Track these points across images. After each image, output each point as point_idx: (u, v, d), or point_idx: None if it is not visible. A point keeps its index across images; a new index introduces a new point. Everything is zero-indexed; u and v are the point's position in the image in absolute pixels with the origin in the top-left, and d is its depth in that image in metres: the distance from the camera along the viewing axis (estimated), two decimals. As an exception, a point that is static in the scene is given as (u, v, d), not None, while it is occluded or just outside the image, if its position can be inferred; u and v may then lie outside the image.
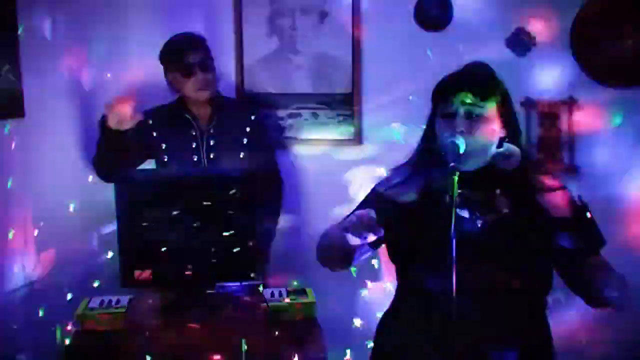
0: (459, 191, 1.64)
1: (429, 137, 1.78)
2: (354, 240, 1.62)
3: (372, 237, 1.61)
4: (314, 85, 3.26)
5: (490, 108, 1.69)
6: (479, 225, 1.70)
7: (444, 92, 1.71)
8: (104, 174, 2.75)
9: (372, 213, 1.61)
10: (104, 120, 2.62)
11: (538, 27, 3.05)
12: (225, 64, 3.20)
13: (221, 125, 2.83)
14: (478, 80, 1.73)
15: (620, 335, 2.98)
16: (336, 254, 1.79)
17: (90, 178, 2.93)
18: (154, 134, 2.83)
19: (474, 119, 1.68)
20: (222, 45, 3.17)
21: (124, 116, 2.54)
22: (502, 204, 1.72)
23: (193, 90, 2.78)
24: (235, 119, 2.87)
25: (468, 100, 1.67)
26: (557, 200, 1.72)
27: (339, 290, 2.99)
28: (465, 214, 1.71)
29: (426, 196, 1.75)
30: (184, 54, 2.75)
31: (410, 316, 1.79)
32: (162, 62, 2.83)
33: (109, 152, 2.66)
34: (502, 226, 1.70)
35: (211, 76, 2.80)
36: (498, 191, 1.73)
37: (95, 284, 2.78)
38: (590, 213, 1.70)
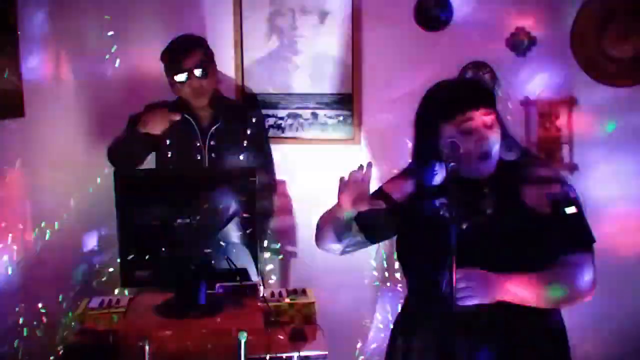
0: (443, 198, 1.65)
1: (431, 144, 1.78)
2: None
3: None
4: (314, 85, 3.26)
5: (494, 113, 1.75)
6: (464, 228, 1.69)
7: (458, 107, 1.72)
8: (118, 165, 2.78)
9: (367, 183, 1.71)
10: (135, 120, 2.71)
11: (538, 27, 3.05)
12: (225, 64, 3.20)
13: (222, 126, 2.83)
14: (486, 91, 1.80)
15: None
16: (328, 225, 1.85)
17: (99, 179, 2.93)
18: None
19: (489, 128, 1.73)
20: (222, 45, 3.17)
21: (160, 123, 2.69)
22: (487, 205, 1.73)
23: (189, 95, 2.78)
24: (236, 120, 2.87)
25: (484, 112, 1.72)
26: (542, 192, 1.73)
27: (338, 291, 2.99)
28: (447, 216, 1.71)
29: (427, 200, 1.77)
30: (179, 59, 2.73)
31: (419, 317, 1.81)
32: (162, 61, 2.82)
33: (131, 149, 2.74)
34: (486, 227, 1.70)
35: (206, 82, 2.79)
36: (485, 191, 1.73)
37: (95, 284, 2.78)
38: (578, 208, 1.72)
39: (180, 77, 2.72)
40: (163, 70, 2.82)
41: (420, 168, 1.81)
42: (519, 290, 1.65)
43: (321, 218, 1.94)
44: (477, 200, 1.72)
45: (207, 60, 2.80)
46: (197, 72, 2.73)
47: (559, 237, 1.70)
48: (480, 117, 1.71)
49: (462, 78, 1.87)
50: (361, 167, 1.74)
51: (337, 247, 1.90)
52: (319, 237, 1.94)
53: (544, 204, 1.71)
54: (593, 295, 1.74)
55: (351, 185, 1.73)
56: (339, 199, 1.77)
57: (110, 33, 3.13)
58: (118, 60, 3.16)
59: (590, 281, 1.71)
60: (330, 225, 1.85)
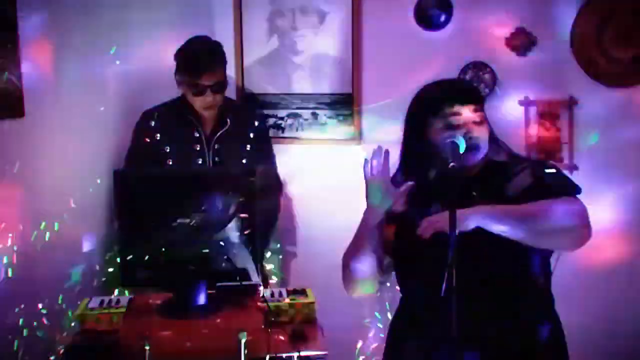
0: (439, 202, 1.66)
1: (419, 141, 1.79)
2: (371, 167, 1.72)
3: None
4: (314, 85, 3.26)
5: (482, 112, 1.77)
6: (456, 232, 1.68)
7: (446, 101, 1.73)
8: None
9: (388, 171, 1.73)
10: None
11: (538, 27, 3.05)
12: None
13: (226, 129, 2.81)
14: (473, 88, 1.85)
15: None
16: (363, 249, 1.81)
17: (99, 179, 2.93)
18: (157, 137, 2.82)
19: (477, 124, 1.74)
20: (223, 46, 3.17)
21: None
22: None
23: (199, 106, 2.76)
24: (240, 124, 2.86)
25: (472, 108, 1.74)
26: (521, 178, 1.74)
27: (338, 291, 2.99)
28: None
29: (420, 203, 1.77)
30: (199, 75, 2.68)
31: (416, 319, 1.81)
32: (176, 62, 2.78)
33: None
34: (475, 231, 1.69)
35: (219, 97, 2.76)
36: (474, 194, 1.73)
37: (95, 284, 2.78)
38: (556, 168, 1.75)
39: (194, 90, 2.71)
40: (174, 68, 2.78)
41: (409, 167, 1.81)
42: (491, 215, 1.61)
43: (347, 252, 1.87)
44: (466, 204, 1.71)
45: (224, 78, 2.76)
46: (214, 89, 2.70)
47: (540, 194, 1.67)
48: (469, 113, 1.73)
49: (451, 78, 1.91)
50: (379, 148, 1.73)
51: (376, 274, 1.85)
52: (353, 271, 1.85)
53: (526, 180, 1.72)
54: (585, 238, 1.67)
55: (377, 175, 1.72)
56: (368, 196, 1.75)
57: (110, 33, 3.13)
58: (118, 60, 3.16)
59: (581, 220, 1.64)
60: (365, 246, 1.80)
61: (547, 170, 1.74)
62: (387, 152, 1.73)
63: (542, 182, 1.71)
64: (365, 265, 1.82)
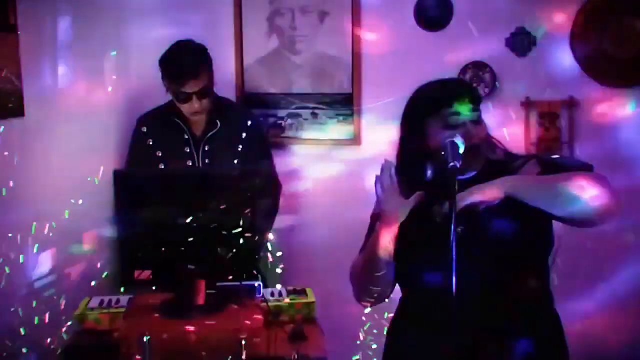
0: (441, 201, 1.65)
1: (417, 142, 1.78)
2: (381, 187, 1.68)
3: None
4: (314, 85, 3.27)
5: (480, 112, 1.77)
6: (459, 231, 1.66)
7: (444, 101, 1.73)
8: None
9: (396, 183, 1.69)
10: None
11: (538, 27, 3.05)
12: (226, 64, 3.20)
13: (217, 131, 2.80)
14: (472, 88, 1.85)
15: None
16: (376, 259, 1.77)
17: (98, 180, 2.93)
18: (150, 142, 2.82)
19: (476, 124, 1.73)
20: (222, 45, 3.18)
21: None
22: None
23: (187, 112, 2.74)
24: (232, 125, 2.84)
25: (471, 108, 1.73)
26: (527, 170, 1.73)
27: (338, 291, 2.99)
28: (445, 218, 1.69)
29: (422, 205, 1.76)
30: (180, 83, 2.66)
31: (417, 318, 1.81)
32: (160, 69, 2.75)
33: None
34: (482, 225, 1.69)
35: (205, 102, 2.73)
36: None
37: (95, 284, 2.78)
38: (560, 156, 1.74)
39: (180, 97, 2.70)
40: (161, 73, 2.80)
41: (407, 168, 1.80)
42: (521, 182, 1.62)
43: (360, 267, 1.84)
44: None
45: (209, 83, 2.74)
46: (198, 95, 2.68)
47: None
48: (467, 113, 1.72)
49: (448, 78, 1.91)
50: (387, 162, 1.71)
51: (393, 286, 1.84)
52: (370, 287, 1.81)
53: (534, 170, 1.72)
54: (612, 208, 1.66)
55: (388, 189, 1.68)
56: (382, 206, 1.71)
57: (110, 33, 3.14)
58: (118, 60, 3.16)
59: (609, 188, 1.65)
60: (380, 261, 1.76)
61: (554, 157, 1.75)
62: (389, 163, 1.70)
63: (553, 166, 1.71)
64: (382, 280, 1.79)
